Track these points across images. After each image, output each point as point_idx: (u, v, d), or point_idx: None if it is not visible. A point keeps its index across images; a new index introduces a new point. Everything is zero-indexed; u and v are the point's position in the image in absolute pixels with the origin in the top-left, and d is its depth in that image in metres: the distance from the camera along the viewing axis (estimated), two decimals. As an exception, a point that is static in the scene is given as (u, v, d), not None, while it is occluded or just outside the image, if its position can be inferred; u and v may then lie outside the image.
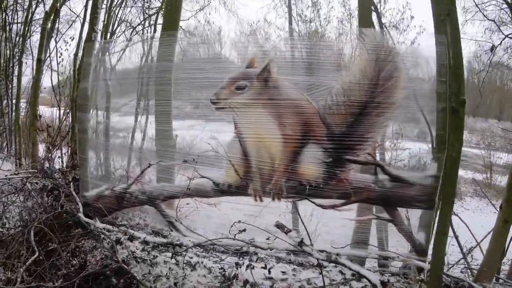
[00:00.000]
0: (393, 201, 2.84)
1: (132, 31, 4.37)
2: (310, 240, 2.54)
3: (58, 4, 4.80)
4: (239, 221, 2.49)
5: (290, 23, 4.07)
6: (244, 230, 2.51)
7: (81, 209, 3.25)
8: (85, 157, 3.49)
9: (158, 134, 3.42)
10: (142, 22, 4.84)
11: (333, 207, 2.82)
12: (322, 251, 2.51)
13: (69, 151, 4.38)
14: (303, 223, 2.61)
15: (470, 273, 3.27)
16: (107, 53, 3.85)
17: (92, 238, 3.10)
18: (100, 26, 3.61)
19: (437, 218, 2.52)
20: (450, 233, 3.08)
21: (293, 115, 2.68)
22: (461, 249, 3.31)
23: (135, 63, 3.98)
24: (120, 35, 4.14)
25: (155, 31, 4.43)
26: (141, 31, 4.39)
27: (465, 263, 3.26)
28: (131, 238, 2.94)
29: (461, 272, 3.32)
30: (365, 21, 3.07)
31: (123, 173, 3.39)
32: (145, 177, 3.19)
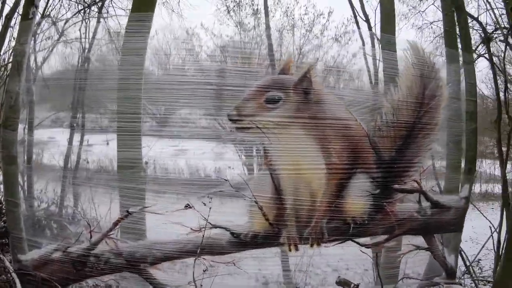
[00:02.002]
0: (432, 228, 2.40)
1: (65, 23, 3.00)
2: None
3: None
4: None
5: (267, 15, 3.28)
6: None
7: (18, 285, 2.00)
8: (16, 201, 2.21)
9: (122, 161, 2.31)
10: (83, 11, 3.44)
11: (377, 244, 2.23)
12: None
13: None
14: (378, 270, 1.91)
15: (474, 285, 3.02)
16: (32, 41, 2.51)
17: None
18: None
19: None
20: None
21: (341, 139, 1.96)
22: (464, 262, 3.05)
23: (70, 61, 2.75)
24: (47, 29, 2.78)
25: (98, 21, 3.14)
26: (80, 22, 3.07)
27: (470, 276, 3.01)
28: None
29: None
30: (387, 28, 2.46)
31: (79, 224, 2.22)
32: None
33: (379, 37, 2.53)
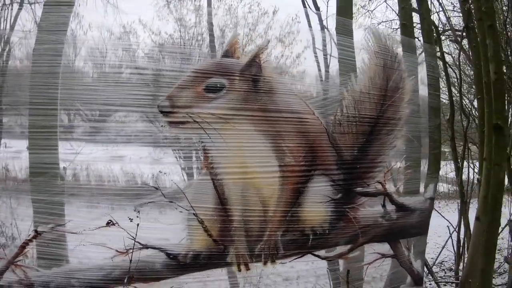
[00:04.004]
0: (398, 233, 2.10)
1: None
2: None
3: None
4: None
5: (210, 13, 2.85)
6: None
7: None
8: None
9: (34, 167, 1.77)
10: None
11: (340, 256, 1.87)
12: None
13: None
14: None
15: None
16: None
17: None
18: None
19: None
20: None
21: (296, 136, 1.58)
22: (427, 266, 2.79)
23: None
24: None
25: (21, 5, 2.55)
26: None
27: (433, 278, 2.76)
28: None
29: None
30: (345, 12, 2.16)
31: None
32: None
33: (330, 31, 2.22)
